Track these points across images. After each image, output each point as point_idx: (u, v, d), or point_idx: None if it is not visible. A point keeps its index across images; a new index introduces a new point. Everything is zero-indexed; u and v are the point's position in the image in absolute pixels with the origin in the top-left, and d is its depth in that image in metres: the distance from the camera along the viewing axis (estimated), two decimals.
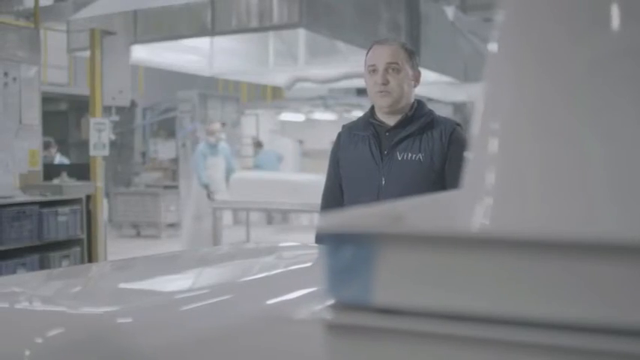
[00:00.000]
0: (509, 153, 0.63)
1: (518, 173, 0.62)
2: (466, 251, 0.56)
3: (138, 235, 11.15)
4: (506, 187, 0.62)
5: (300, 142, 13.17)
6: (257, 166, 12.15)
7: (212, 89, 12.76)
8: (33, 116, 6.00)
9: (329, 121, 13.85)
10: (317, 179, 8.05)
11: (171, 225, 11.23)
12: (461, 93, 12.58)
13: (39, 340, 1.06)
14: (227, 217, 11.44)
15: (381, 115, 2.39)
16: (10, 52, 5.79)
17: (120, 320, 1.10)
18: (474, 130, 0.67)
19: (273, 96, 15.93)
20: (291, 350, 0.98)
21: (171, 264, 1.60)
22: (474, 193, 0.64)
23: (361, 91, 14.95)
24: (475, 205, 0.62)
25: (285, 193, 7.44)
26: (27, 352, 1.05)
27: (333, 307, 0.60)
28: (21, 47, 5.90)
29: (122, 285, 1.37)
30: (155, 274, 1.43)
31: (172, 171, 12.20)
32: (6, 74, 5.75)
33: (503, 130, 0.64)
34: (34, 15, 6.39)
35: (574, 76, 0.63)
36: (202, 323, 1.16)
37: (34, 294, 1.21)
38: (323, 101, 13.71)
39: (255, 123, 14.75)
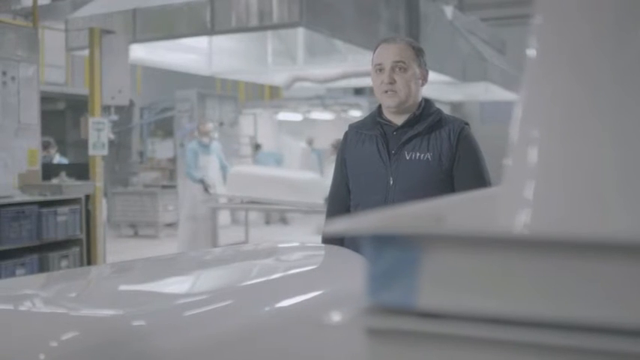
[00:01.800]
0: (554, 152, 0.61)
1: (564, 173, 0.60)
2: (514, 253, 0.55)
3: (136, 234, 11.12)
4: (551, 188, 0.60)
5: (310, 141, 13.06)
6: None
7: (210, 89, 12.73)
8: (32, 115, 5.97)
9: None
10: (315, 177, 8.02)
11: (170, 225, 11.20)
12: (459, 92, 12.59)
13: (54, 344, 1.04)
14: (225, 217, 11.43)
15: (388, 115, 2.36)
16: (8, 51, 5.76)
17: (135, 323, 1.08)
18: (515, 128, 0.65)
19: (271, 95, 15.92)
20: (327, 356, 0.96)
21: (182, 265, 1.58)
22: (516, 192, 0.62)
23: (359, 91, 14.95)
24: (519, 205, 0.60)
25: (284, 191, 7.38)
26: (42, 357, 1.03)
27: (374, 311, 0.58)
28: (20, 46, 5.87)
29: (135, 287, 1.35)
30: (167, 276, 1.41)
31: (170, 171, 12.17)
32: (4, 73, 5.72)
33: (548, 128, 0.62)
34: (33, 14, 6.36)
35: (618, 77, 0.61)
36: (218, 326, 1.14)
37: (46, 296, 1.19)
38: (321, 101, 13.70)
39: (254, 122, 14.74)
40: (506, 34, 14.21)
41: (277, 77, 10.36)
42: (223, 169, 8.23)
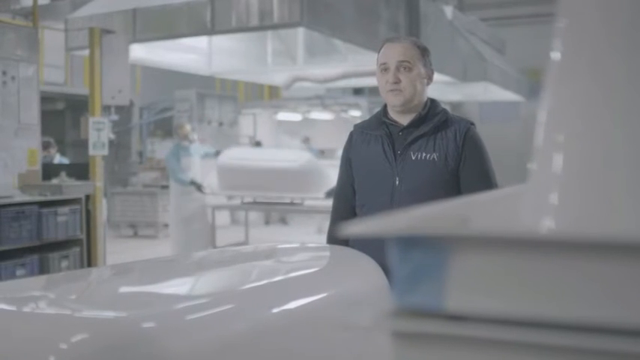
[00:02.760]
0: (580, 152, 0.60)
1: (591, 173, 0.59)
2: (544, 254, 0.54)
3: (135, 235, 11.10)
4: (579, 188, 0.59)
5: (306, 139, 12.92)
6: None
7: (209, 89, 12.71)
8: (32, 115, 5.95)
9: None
10: (312, 160, 7.79)
11: (169, 225, 11.18)
12: (458, 92, 12.58)
13: (63, 346, 1.03)
14: (224, 217, 11.41)
15: (393, 114, 2.35)
16: (8, 50, 5.74)
17: (145, 325, 1.07)
18: (540, 128, 0.64)
19: (270, 96, 15.90)
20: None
21: (191, 265, 1.56)
22: (542, 192, 0.61)
23: (358, 91, 14.94)
24: (546, 205, 0.59)
25: (280, 183, 7.25)
26: (51, 358, 1.01)
27: (401, 313, 0.57)
28: (19, 46, 5.85)
29: (142, 288, 1.34)
30: (174, 277, 1.39)
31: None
32: (4, 73, 5.70)
33: (574, 127, 0.61)
34: (33, 14, 6.34)
35: None
36: (229, 327, 1.13)
37: (54, 298, 1.18)
38: (320, 101, 13.69)
39: (253, 122, 14.73)
40: (506, 34, 14.21)
41: (277, 77, 10.35)
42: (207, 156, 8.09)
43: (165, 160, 8.08)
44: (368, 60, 8.80)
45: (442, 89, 11.25)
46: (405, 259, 0.57)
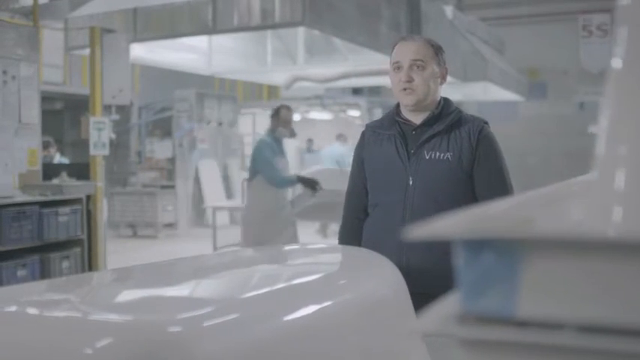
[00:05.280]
0: None
1: None
2: (623, 257, 0.51)
3: (135, 235, 11.06)
4: None
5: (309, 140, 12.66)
6: None
7: (208, 88, 12.67)
8: (32, 115, 5.91)
9: None
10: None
11: (169, 225, 11.14)
12: (457, 92, 12.57)
13: (88, 352, 1.00)
14: (224, 217, 11.37)
15: (406, 113, 2.32)
16: (9, 50, 5.70)
17: (173, 329, 1.04)
18: (606, 120, 0.61)
19: (269, 95, 15.87)
20: None
21: (215, 267, 1.53)
22: (607, 192, 0.58)
23: (357, 91, 14.92)
24: (618, 206, 0.56)
25: None
26: None
27: (468, 320, 0.54)
28: (20, 45, 5.81)
29: (166, 291, 1.31)
30: (200, 278, 1.36)
31: (168, 170, 12.11)
32: (5, 72, 5.66)
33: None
34: (33, 13, 6.30)
35: None
36: (257, 331, 1.10)
37: (77, 301, 1.14)
38: (320, 100, 13.67)
39: (252, 122, 14.69)
40: (505, 34, 14.20)
41: (277, 77, 10.32)
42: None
43: (256, 154, 5.87)
44: (368, 60, 8.80)
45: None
46: (473, 263, 0.54)
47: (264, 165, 5.79)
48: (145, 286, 1.30)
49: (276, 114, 6.00)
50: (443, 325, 0.54)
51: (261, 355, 1.10)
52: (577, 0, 13.97)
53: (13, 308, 1.07)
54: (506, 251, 0.53)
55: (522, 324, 0.54)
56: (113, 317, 1.06)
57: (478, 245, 0.53)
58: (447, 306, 0.59)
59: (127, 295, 1.25)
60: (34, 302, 1.09)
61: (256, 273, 1.45)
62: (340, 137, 11.76)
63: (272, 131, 5.92)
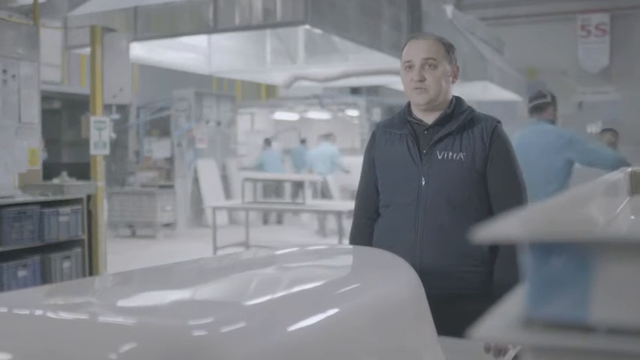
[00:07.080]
0: None
1: None
2: None
3: (133, 235, 11.02)
4: None
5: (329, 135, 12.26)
6: (259, 165, 12.05)
7: (206, 88, 12.63)
8: (32, 114, 5.87)
9: None
10: None
11: (167, 225, 11.10)
12: (457, 92, 12.56)
13: (112, 356, 0.97)
14: (223, 217, 11.34)
15: (417, 113, 2.29)
16: (9, 49, 5.66)
17: (198, 334, 1.02)
18: None
19: (267, 95, 15.85)
20: None
21: (234, 268, 1.51)
22: None
23: (355, 90, 14.90)
24: None
25: None
26: None
27: (536, 325, 0.52)
28: (20, 44, 5.77)
29: (188, 294, 1.28)
30: (220, 280, 1.34)
31: (166, 170, 12.07)
32: (5, 71, 5.62)
33: None
34: (33, 12, 6.26)
35: None
36: (284, 334, 1.08)
37: (105, 304, 1.12)
38: (318, 100, 13.65)
39: (251, 122, 14.67)
40: (505, 34, 14.20)
41: (276, 76, 10.30)
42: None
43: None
44: (368, 59, 8.77)
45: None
46: (541, 267, 0.52)
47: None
48: (165, 289, 1.28)
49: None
50: (508, 331, 0.52)
51: (283, 358, 1.08)
52: (576, 0, 13.98)
53: (35, 312, 1.05)
54: (578, 255, 0.50)
55: (591, 330, 0.52)
56: (137, 321, 1.04)
57: (547, 249, 0.51)
58: (507, 311, 0.56)
59: (149, 299, 1.22)
60: (55, 306, 1.07)
61: (277, 275, 1.43)
62: (329, 137, 11.47)
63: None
